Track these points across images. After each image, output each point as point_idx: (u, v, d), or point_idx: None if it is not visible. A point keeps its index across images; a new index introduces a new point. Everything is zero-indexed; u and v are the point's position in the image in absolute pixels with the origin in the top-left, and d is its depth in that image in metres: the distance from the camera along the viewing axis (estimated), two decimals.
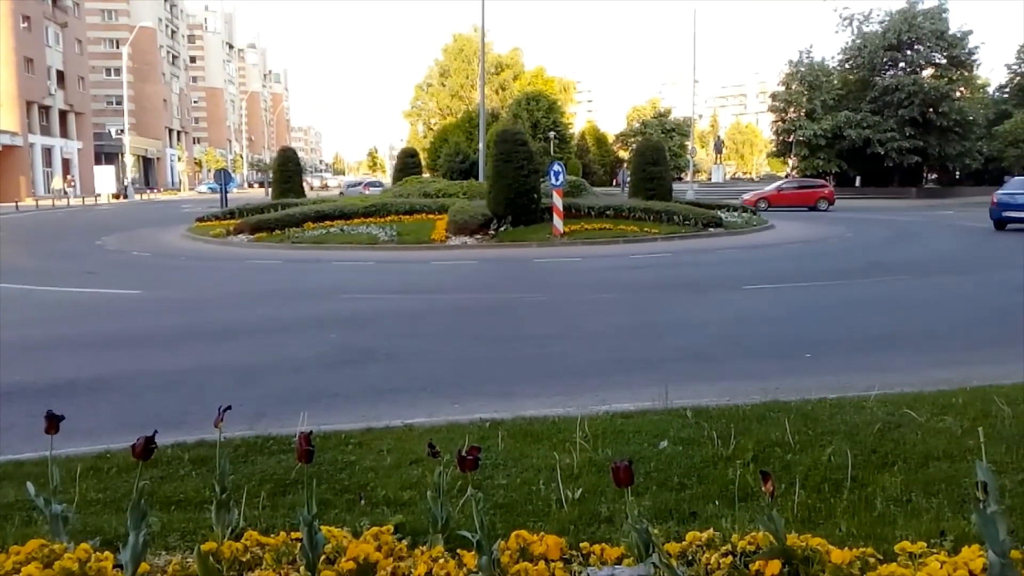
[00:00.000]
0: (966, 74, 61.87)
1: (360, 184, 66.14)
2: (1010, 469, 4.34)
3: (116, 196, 63.64)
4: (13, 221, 36.15)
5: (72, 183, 60.96)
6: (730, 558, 3.03)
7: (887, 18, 60.18)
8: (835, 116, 58.03)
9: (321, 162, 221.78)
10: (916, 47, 60.03)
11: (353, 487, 4.44)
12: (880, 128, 57.47)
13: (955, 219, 32.58)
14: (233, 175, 56.87)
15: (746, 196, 41.06)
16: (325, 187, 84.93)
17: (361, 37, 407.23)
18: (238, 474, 4.50)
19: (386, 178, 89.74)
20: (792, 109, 61.66)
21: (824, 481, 4.29)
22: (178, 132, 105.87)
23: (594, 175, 74.90)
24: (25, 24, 62.63)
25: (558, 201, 23.07)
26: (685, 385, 6.93)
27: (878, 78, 59.52)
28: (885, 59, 60.09)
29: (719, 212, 27.42)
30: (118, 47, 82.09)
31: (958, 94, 60.21)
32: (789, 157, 65.70)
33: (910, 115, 57.15)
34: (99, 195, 61.48)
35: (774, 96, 64.91)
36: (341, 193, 54.95)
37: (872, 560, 2.96)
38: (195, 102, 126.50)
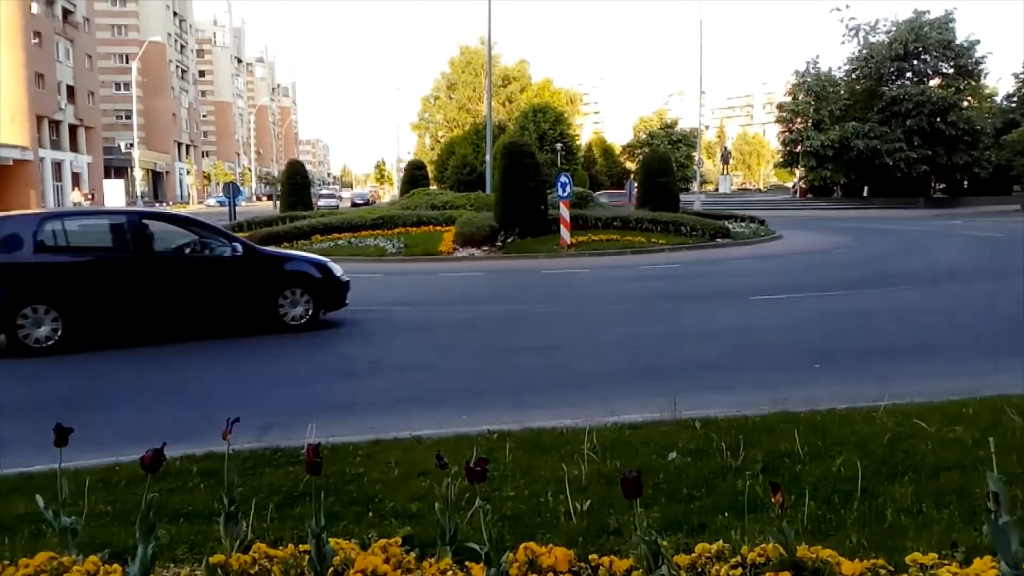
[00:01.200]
0: (973, 83, 61.81)
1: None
2: (1022, 480, 4.30)
3: None
4: None
5: (90, 197, 61.23)
6: (740, 570, 3.02)
7: (893, 28, 60.20)
8: (842, 126, 57.95)
9: (329, 175, 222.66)
10: (923, 57, 60.03)
11: (361, 499, 4.43)
12: (888, 138, 57.38)
13: (964, 229, 32.46)
14: (242, 188, 57.08)
15: None
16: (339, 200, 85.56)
17: (368, 51, 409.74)
18: (246, 486, 4.50)
19: (394, 190, 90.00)
20: (799, 120, 61.64)
21: (834, 492, 4.27)
22: (187, 146, 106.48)
23: (601, 186, 74.92)
24: (36, 40, 63.16)
25: (565, 212, 23.09)
26: (693, 396, 6.91)
27: (885, 88, 59.48)
28: (892, 69, 60.08)
29: (726, 223, 27.39)
30: (127, 62, 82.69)
31: (966, 104, 60.13)
32: (796, 168, 65.66)
33: (918, 125, 57.06)
34: None
35: (781, 107, 64.92)
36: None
37: (883, 572, 2.94)
38: (204, 116, 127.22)
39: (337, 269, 11.45)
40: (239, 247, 10.81)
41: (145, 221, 10.75)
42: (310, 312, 10.88)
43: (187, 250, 10.91)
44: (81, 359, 9.55)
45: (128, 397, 7.88)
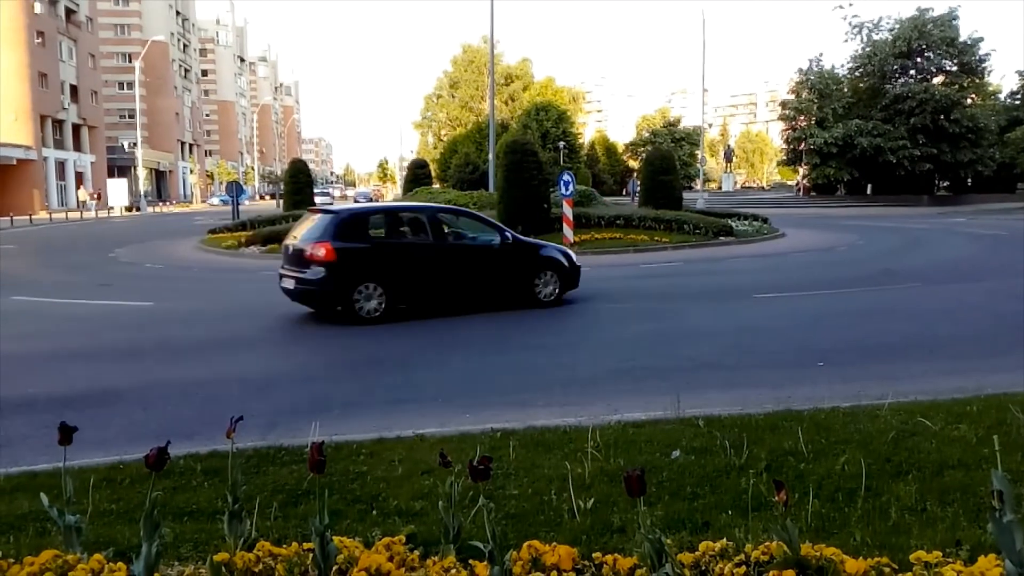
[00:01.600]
0: (977, 81, 61.65)
1: None
2: None
3: (129, 209, 64.02)
4: (27, 234, 36.44)
5: (96, 196, 61.43)
6: (744, 568, 3.01)
7: (897, 26, 60.04)
8: (846, 124, 57.82)
9: (332, 173, 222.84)
10: (926, 54, 59.88)
11: (365, 497, 4.44)
12: (891, 136, 57.25)
13: (967, 226, 32.38)
14: (244, 187, 56.96)
15: None
16: (344, 198, 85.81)
17: (371, 49, 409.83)
18: (250, 484, 4.51)
19: (396, 189, 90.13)
20: (802, 117, 61.50)
21: (838, 490, 4.27)
22: (190, 145, 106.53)
23: (604, 185, 74.93)
24: (39, 39, 63.25)
25: (568, 211, 23.08)
26: (697, 394, 6.92)
27: (888, 86, 59.33)
28: (895, 67, 59.93)
29: (729, 221, 27.36)
30: (130, 61, 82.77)
31: (969, 101, 59.99)
32: (800, 166, 65.56)
33: (921, 123, 56.93)
34: (112, 208, 61.92)
35: (784, 104, 64.78)
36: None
37: (887, 570, 2.94)
38: (207, 115, 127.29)
39: (575, 257, 13.64)
40: (508, 236, 12.88)
41: (439, 215, 13.09)
42: (557, 291, 12.96)
43: (468, 238, 13.17)
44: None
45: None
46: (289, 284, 11.89)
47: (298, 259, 11.82)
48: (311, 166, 52.06)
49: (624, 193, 67.42)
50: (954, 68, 60.24)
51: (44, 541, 3.68)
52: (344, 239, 11.66)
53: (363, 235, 12.04)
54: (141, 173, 73.55)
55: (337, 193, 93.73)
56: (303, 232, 12.24)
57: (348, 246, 11.61)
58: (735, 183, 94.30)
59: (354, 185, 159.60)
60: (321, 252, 11.44)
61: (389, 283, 11.68)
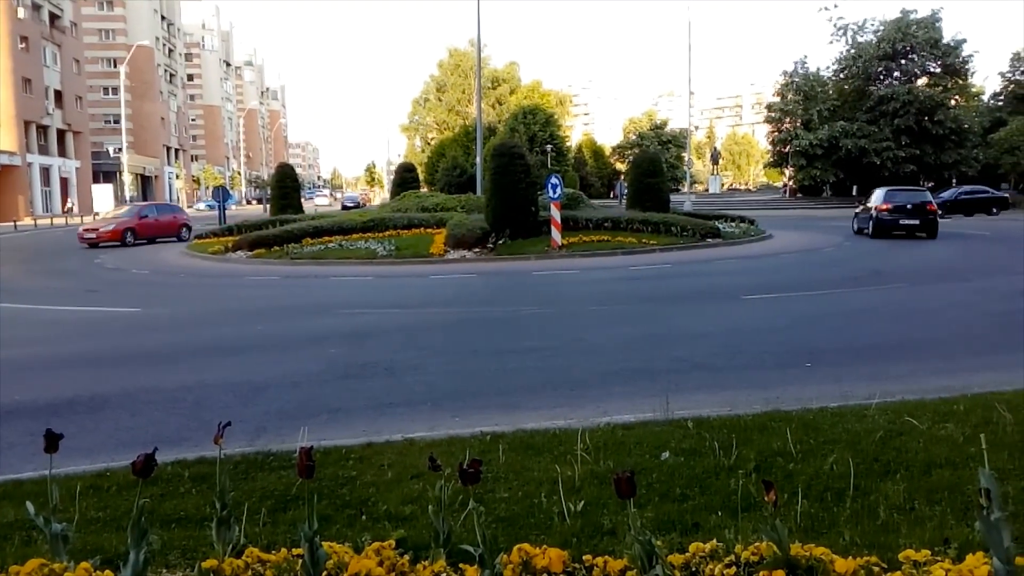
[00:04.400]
0: (960, 82, 62.22)
1: None
2: (1013, 476, 4.33)
3: None
4: (12, 240, 36.17)
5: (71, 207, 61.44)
6: (734, 569, 3.02)
7: (881, 28, 60.54)
8: (831, 126, 58.20)
9: (319, 178, 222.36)
10: (910, 56, 60.39)
11: (354, 502, 4.42)
12: (876, 137, 57.66)
13: (952, 227, 32.58)
14: (231, 192, 56.68)
15: (105, 228, 31.56)
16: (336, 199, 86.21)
17: (358, 53, 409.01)
18: (239, 491, 4.49)
19: (384, 193, 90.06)
20: (788, 120, 61.88)
21: (827, 490, 4.29)
22: (176, 150, 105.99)
23: (591, 187, 75.08)
24: (23, 45, 62.87)
25: (556, 214, 23.10)
26: (686, 395, 6.93)
27: (873, 88, 59.77)
28: (880, 68, 60.40)
29: (717, 223, 27.44)
30: (115, 66, 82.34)
31: (953, 102, 60.51)
32: (786, 167, 65.92)
33: (905, 124, 57.37)
34: (97, 214, 61.59)
35: (770, 107, 65.18)
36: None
37: (876, 569, 2.96)
38: (193, 120, 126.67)
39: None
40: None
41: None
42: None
43: None
44: None
45: None
46: (915, 221, 25.33)
47: (917, 210, 25.44)
48: (298, 170, 51.94)
49: (612, 196, 67.58)
50: (938, 70, 60.79)
51: (30, 550, 3.64)
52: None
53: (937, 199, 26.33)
54: (127, 178, 73.19)
55: (327, 196, 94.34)
56: (901, 199, 26.25)
57: (937, 203, 23.88)
58: (722, 185, 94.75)
59: (341, 189, 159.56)
60: (935, 206, 25.04)
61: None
